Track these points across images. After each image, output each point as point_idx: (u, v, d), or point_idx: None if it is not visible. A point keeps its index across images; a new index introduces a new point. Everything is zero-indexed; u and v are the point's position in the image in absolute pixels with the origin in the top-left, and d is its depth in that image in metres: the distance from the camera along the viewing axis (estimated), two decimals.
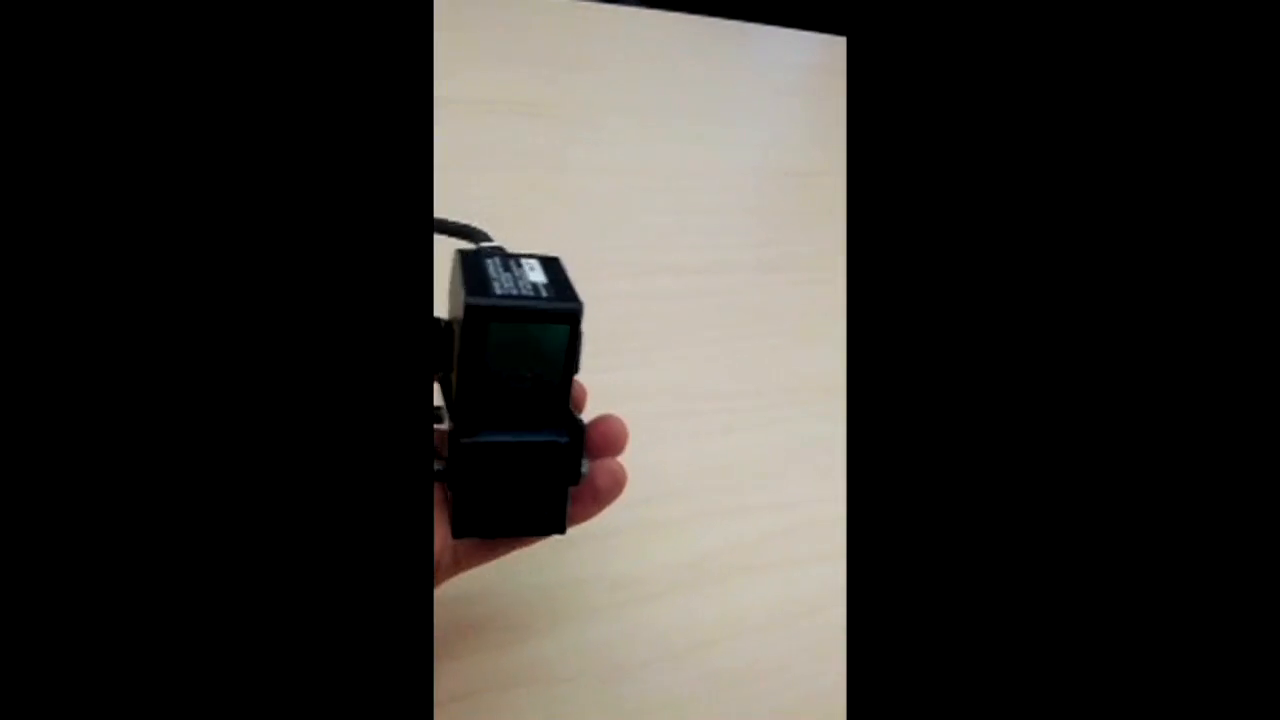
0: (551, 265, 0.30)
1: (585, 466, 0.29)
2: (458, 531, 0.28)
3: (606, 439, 0.30)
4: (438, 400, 0.30)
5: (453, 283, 0.29)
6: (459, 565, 0.29)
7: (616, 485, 0.30)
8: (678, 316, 0.58)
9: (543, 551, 0.31)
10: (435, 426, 0.28)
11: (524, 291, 0.28)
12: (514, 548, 0.30)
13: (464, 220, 0.36)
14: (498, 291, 0.27)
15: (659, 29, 0.95)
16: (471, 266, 0.29)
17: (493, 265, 0.29)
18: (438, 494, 0.28)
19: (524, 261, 0.30)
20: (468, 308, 0.26)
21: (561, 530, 0.29)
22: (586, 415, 0.30)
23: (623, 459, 0.30)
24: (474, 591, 0.36)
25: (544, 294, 0.28)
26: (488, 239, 0.34)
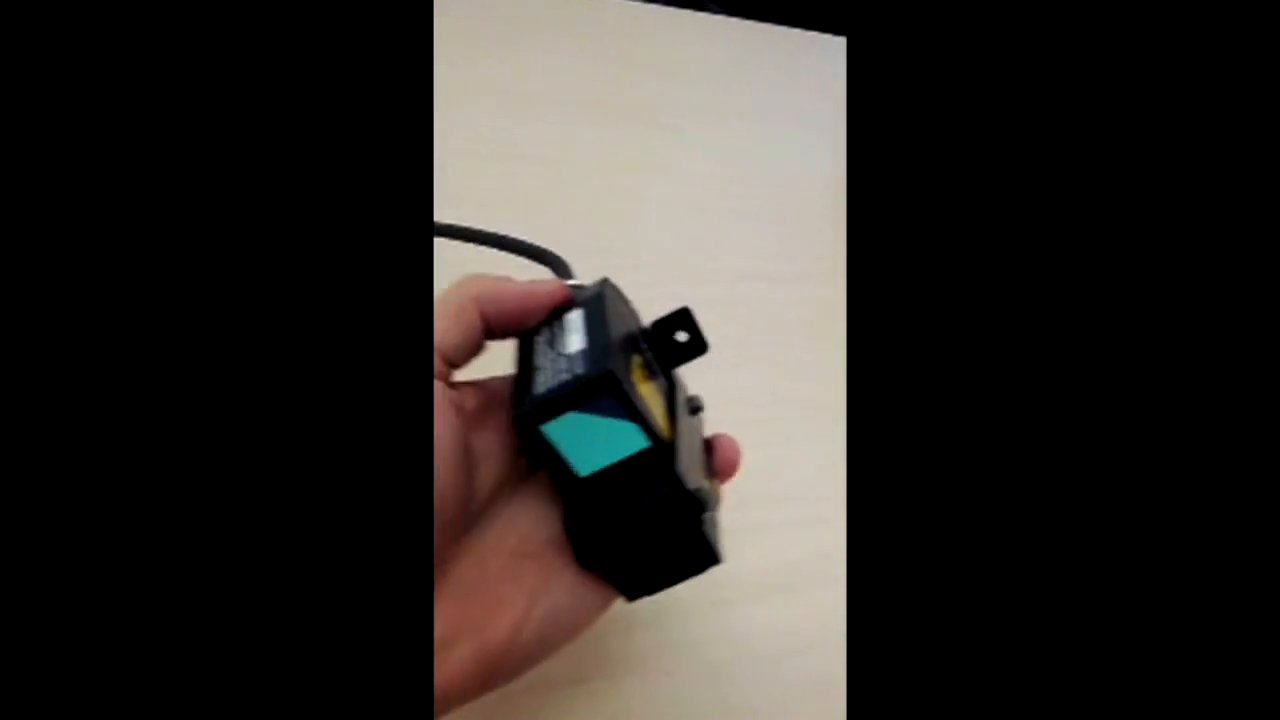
0: (594, 311, 0.28)
1: (709, 491, 0.28)
2: (631, 597, 0.28)
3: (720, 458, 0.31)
4: None
5: None
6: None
7: (730, 466, 0.31)
8: (761, 321, 0.58)
9: None
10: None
11: (559, 372, 0.26)
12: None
13: (541, 244, 0.36)
14: (538, 390, 0.25)
15: (738, 34, 0.95)
16: (522, 356, 0.28)
17: (540, 346, 0.28)
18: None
19: (569, 318, 0.28)
20: (513, 420, 0.25)
21: (717, 560, 0.28)
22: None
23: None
24: None
25: (578, 366, 0.25)
26: (561, 263, 0.34)
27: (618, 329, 0.27)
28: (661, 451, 0.26)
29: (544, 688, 0.34)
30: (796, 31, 0.97)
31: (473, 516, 0.26)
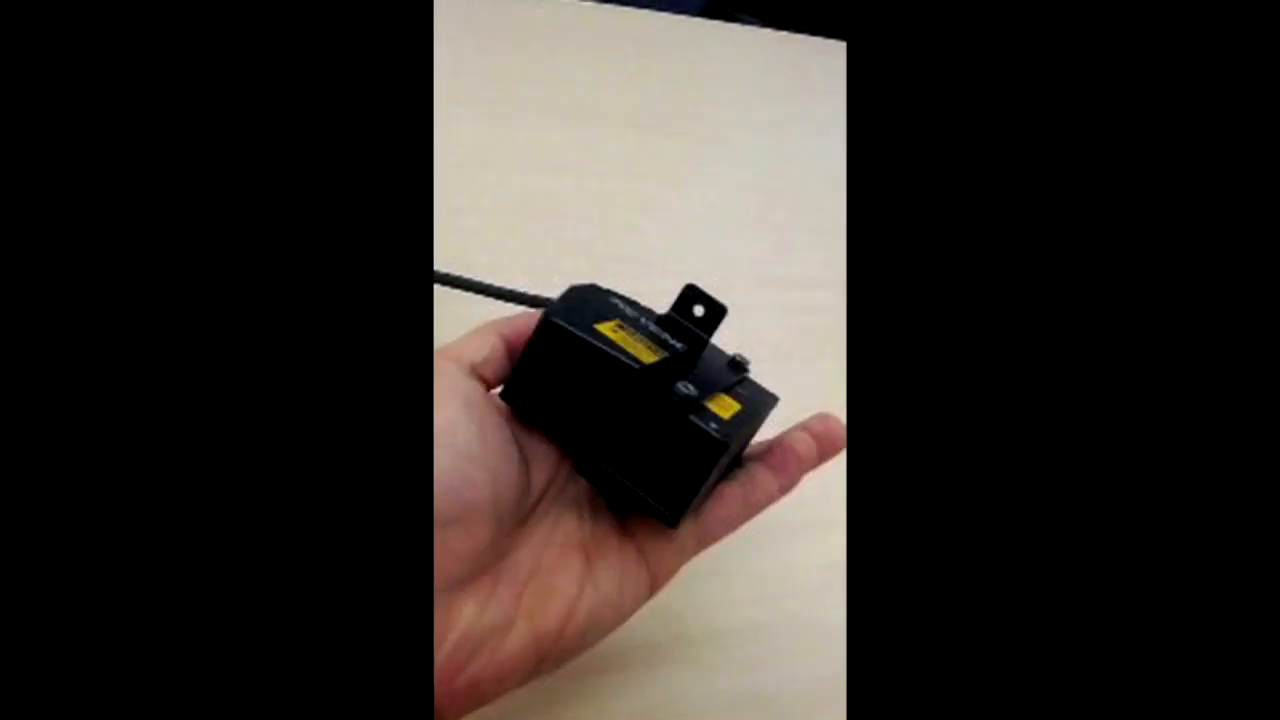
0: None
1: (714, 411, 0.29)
2: (672, 519, 0.29)
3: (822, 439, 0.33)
4: None
5: None
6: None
7: (829, 444, 0.33)
8: (779, 327, 0.58)
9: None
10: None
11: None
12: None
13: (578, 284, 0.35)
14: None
15: (780, 48, 0.95)
16: None
17: None
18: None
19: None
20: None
21: (716, 441, 0.28)
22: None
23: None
24: None
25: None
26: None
27: (611, 309, 0.30)
28: (631, 372, 0.28)
29: (543, 683, 0.34)
30: (831, 42, 0.97)
31: (527, 512, 0.29)
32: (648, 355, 0.29)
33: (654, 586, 0.30)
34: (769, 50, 0.92)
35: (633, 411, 0.27)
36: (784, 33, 0.94)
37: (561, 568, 0.28)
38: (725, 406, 0.31)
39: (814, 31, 0.90)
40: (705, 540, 0.31)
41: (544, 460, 0.29)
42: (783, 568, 0.42)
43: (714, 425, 0.28)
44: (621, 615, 0.29)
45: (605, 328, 0.29)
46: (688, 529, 0.30)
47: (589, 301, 0.31)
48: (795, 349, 0.56)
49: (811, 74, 0.90)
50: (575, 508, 0.30)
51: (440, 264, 0.44)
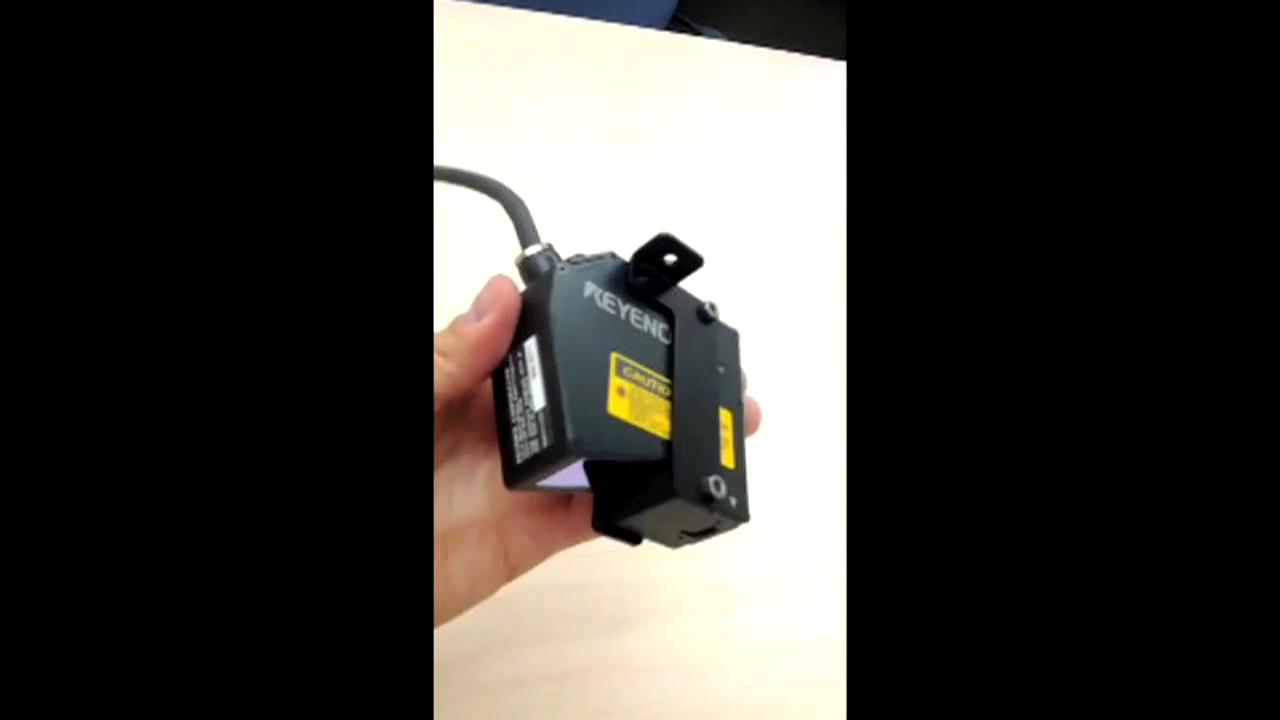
0: (545, 338, 0.28)
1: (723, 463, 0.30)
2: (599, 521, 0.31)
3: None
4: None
5: None
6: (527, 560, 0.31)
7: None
8: (764, 338, 0.59)
9: (642, 552, 0.32)
10: None
11: (530, 439, 0.28)
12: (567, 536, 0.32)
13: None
14: (517, 460, 0.28)
15: (736, 59, 0.96)
16: (497, 396, 0.30)
17: (510, 387, 0.29)
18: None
19: (527, 349, 0.29)
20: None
21: (745, 519, 0.30)
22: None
23: None
24: (568, 583, 0.38)
25: (544, 438, 0.27)
26: (514, 201, 0.34)
27: (576, 348, 0.28)
28: (656, 466, 0.28)
29: (533, 682, 0.34)
30: (795, 56, 0.98)
31: None
32: (659, 414, 0.28)
33: (512, 576, 0.31)
34: (735, 64, 0.93)
35: (660, 495, 0.27)
36: (750, 47, 0.94)
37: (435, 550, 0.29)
38: (725, 438, 0.30)
39: (779, 46, 0.91)
40: (575, 539, 0.31)
41: None
42: (751, 573, 0.41)
43: (734, 505, 0.29)
44: (470, 602, 0.30)
45: (617, 404, 0.27)
46: (558, 524, 0.31)
47: (582, 336, 0.28)
48: (776, 353, 0.57)
49: (781, 87, 0.91)
50: (444, 494, 0.30)
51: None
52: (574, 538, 0.31)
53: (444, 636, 0.36)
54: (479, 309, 0.29)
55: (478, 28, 0.76)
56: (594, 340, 0.29)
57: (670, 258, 0.31)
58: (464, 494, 0.31)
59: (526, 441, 0.28)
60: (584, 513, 0.31)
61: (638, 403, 0.28)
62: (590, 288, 0.29)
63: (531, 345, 0.28)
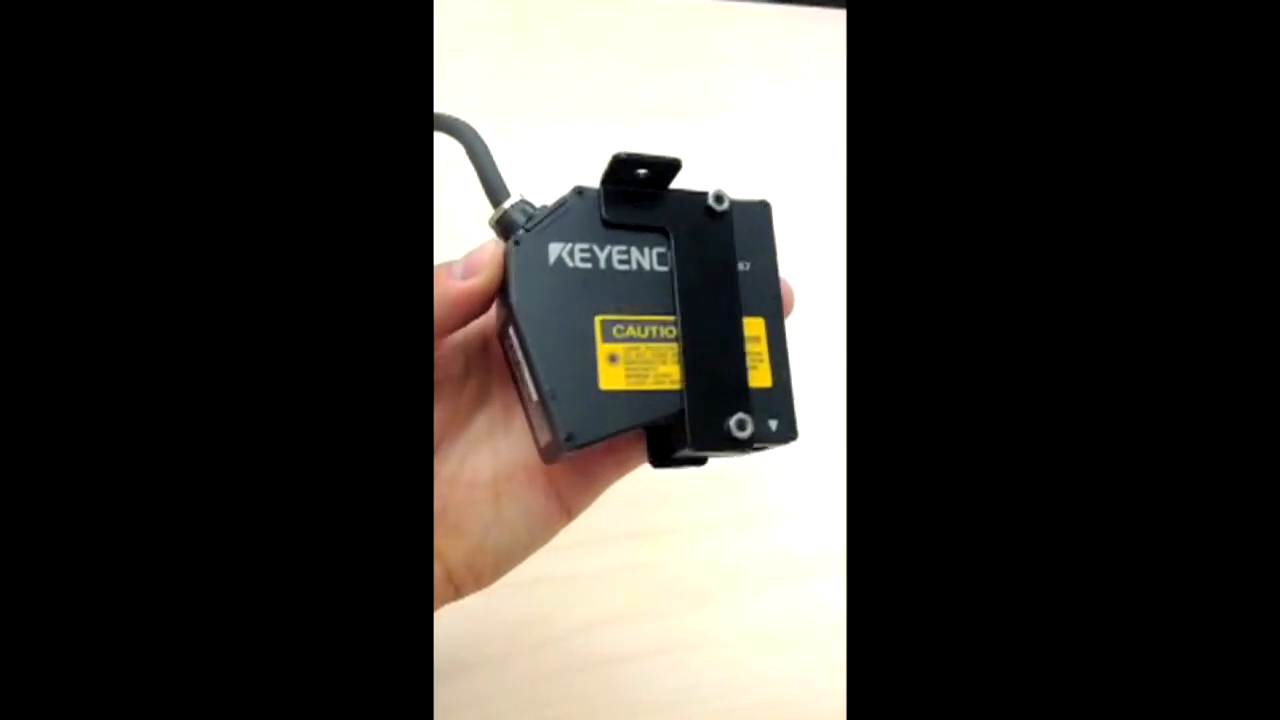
0: (523, 344, 0.27)
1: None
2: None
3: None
4: None
5: None
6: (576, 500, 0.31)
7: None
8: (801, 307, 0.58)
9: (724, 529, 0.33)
10: None
11: (539, 427, 0.27)
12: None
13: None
14: (540, 444, 0.28)
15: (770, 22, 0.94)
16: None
17: (514, 362, 0.28)
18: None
19: (514, 334, 0.27)
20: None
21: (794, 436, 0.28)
22: None
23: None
24: (655, 561, 0.39)
25: (545, 430, 0.26)
26: (471, 136, 0.29)
27: (551, 331, 0.26)
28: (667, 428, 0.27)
29: (626, 659, 0.35)
30: (835, 12, 0.96)
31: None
32: (665, 363, 0.26)
33: (570, 516, 0.30)
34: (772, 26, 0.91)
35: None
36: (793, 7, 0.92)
37: (468, 507, 0.28)
38: (757, 353, 0.28)
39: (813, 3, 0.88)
40: (624, 468, 0.31)
41: (449, 399, 0.29)
42: (750, 562, 0.42)
43: (774, 429, 0.27)
44: (533, 547, 0.30)
45: (609, 377, 0.26)
46: (601, 457, 0.30)
47: (555, 314, 0.26)
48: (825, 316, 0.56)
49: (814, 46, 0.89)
50: (479, 446, 0.30)
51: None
52: (622, 468, 0.30)
53: (535, 621, 0.38)
54: (469, 266, 0.27)
55: (523, 3, 0.76)
56: (571, 312, 0.26)
57: (642, 172, 0.28)
58: (505, 440, 0.30)
59: (538, 429, 0.27)
60: (627, 441, 0.29)
61: (635, 364, 0.26)
62: (556, 249, 0.26)
63: (513, 334, 0.27)
